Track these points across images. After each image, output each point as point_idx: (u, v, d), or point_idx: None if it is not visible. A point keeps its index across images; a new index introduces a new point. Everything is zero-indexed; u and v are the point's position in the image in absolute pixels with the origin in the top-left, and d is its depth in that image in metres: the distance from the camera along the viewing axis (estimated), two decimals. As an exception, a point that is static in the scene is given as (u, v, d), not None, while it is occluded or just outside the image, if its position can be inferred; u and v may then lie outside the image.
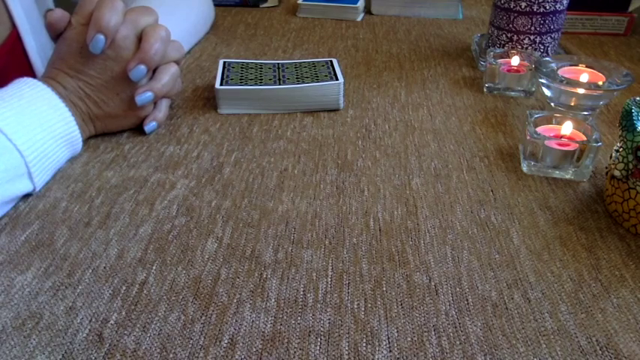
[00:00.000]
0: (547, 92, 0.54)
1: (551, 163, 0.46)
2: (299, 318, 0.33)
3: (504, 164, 0.48)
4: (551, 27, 0.64)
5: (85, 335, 0.32)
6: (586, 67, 0.54)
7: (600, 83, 0.51)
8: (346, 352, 0.31)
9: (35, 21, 0.60)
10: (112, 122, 0.51)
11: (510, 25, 0.65)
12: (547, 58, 0.55)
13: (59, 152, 0.46)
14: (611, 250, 0.38)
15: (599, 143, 0.44)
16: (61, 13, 0.48)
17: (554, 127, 0.47)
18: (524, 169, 0.47)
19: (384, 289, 0.35)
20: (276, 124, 0.55)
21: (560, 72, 0.53)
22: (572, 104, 0.52)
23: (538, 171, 0.46)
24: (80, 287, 0.35)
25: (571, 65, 0.55)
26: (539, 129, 0.46)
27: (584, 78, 0.52)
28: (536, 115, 0.47)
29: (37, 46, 0.60)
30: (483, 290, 0.35)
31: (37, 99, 0.44)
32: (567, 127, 0.47)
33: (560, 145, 0.45)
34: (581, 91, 0.51)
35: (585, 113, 0.52)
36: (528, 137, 0.45)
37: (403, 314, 0.33)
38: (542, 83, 0.53)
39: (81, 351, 0.31)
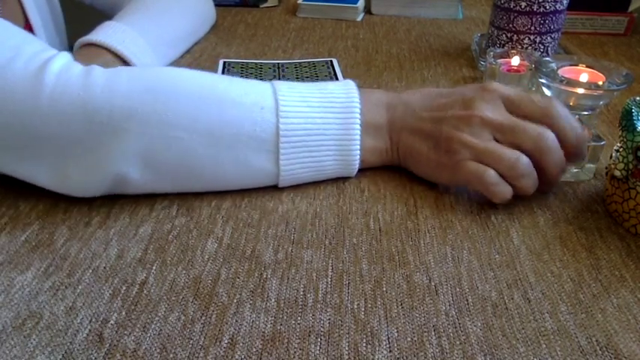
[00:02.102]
0: (547, 92, 0.53)
1: None
2: (299, 318, 0.33)
3: (504, 164, 0.48)
4: (551, 27, 0.64)
5: (85, 335, 0.32)
6: (586, 67, 0.54)
7: (600, 83, 0.51)
8: (346, 352, 0.31)
9: (45, 16, 0.62)
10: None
11: (510, 25, 0.65)
12: (547, 58, 0.55)
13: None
14: (611, 250, 0.38)
15: (603, 142, 0.44)
16: None
17: None
18: None
19: (384, 289, 0.35)
20: (276, 124, 0.55)
21: (560, 72, 0.53)
22: (572, 104, 0.52)
23: None
24: (80, 287, 0.35)
25: (571, 65, 0.55)
26: None
27: (584, 78, 0.52)
28: None
29: (46, 38, 0.63)
30: (483, 290, 0.35)
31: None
32: None
33: None
34: (580, 91, 0.50)
35: (585, 113, 0.52)
36: None
37: (403, 314, 0.33)
38: (542, 83, 0.53)
39: (81, 351, 0.31)
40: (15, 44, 0.39)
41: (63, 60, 0.39)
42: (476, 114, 0.41)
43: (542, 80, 0.52)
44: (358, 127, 0.42)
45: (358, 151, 0.43)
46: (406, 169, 0.46)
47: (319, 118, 0.42)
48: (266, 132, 0.40)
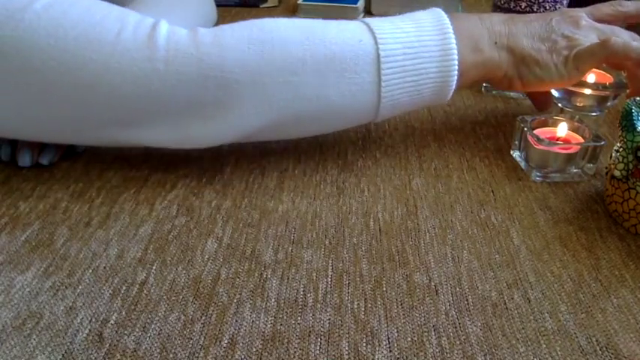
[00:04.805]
0: (555, 93, 0.53)
1: (556, 168, 0.45)
2: (299, 318, 0.33)
3: (505, 164, 0.48)
4: (552, 27, 0.64)
5: (85, 335, 0.32)
6: None
7: (607, 84, 0.51)
8: (346, 352, 0.31)
9: None
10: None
11: (510, 25, 0.65)
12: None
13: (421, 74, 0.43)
14: (611, 250, 0.38)
15: (603, 142, 0.44)
16: None
17: (547, 130, 0.47)
18: (537, 179, 0.46)
19: (384, 289, 0.35)
20: (277, 124, 0.55)
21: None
22: (579, 105, 0.52)
23: (547, 178, 0.46)
24: (80, 287, 0.35)
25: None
26: (538, 134, 0.46)
27: (591, 79, 0.52)
28: (530, 120, 0.47)
29: None
30: (483, 290, 0.35)
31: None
32: (562, 129, 0.46)
33: (563, 148, 0.45)
34: (587, 91, 0.50)
35: (593, 114, 0.52)
36: (539, 147, 0.44)
37: (403, 314, 0.33)
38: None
39: (81, 351, 0.31)
40: (117, 16, 0.40)
41: (166, 24, 0.40)
42: (581, 15, 0.48)
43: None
44: (454, 43, 0.43)
45: (456, 67, 0.44)
46: (513, 76, 0.47)
47: (416, 41, 0.43)
48: (367, 62, 0.41)
